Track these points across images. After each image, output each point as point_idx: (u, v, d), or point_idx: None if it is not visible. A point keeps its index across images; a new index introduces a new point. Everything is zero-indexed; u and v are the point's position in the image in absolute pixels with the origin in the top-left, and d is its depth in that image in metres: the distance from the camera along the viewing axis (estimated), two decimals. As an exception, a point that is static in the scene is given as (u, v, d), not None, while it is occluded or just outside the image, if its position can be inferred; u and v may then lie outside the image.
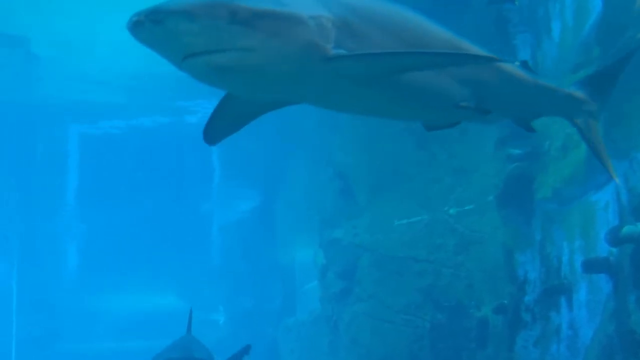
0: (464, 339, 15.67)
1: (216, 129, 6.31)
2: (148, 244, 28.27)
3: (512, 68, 7.05)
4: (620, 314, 10.33)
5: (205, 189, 24.93)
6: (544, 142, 13.47)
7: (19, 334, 30.51)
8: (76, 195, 25.20)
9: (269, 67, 5.15)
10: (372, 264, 17.64)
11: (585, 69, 12.37)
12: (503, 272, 14.41)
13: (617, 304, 10.53)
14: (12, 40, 15.74)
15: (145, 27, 4.82)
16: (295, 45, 5.12)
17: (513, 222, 14.22)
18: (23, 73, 16.45)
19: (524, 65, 7.32)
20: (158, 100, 18.24)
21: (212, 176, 23.75)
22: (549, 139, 13.37)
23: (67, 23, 15.40)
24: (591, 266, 11.57)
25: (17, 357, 30.24)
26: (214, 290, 30.93)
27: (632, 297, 9.98)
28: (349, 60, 5.31)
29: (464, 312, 15.70)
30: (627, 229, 9.97)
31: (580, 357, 12.22)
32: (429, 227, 16.61)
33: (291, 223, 25.76)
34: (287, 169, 22.72)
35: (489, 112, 6.54)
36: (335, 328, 19.02)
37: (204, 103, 18.83)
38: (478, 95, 6.44)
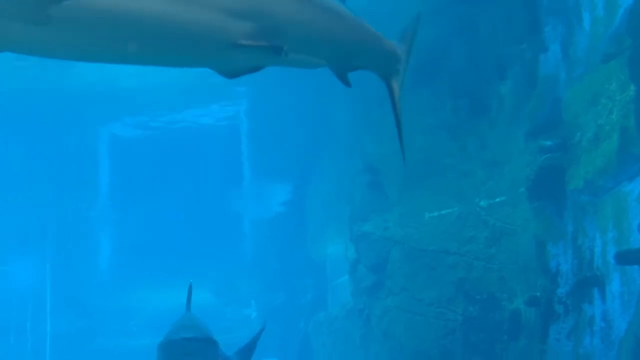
0: (496, 331, 15.61)
1: None
2: (180, 241, 28.39)
3: None
4: (655, 304, 10.27)
5: (235, 184, 24.97)
6: (575, 133, 13.41)
7: (54, 331, 30.77)
8: (108, 193, 25.34)
9: None
10: (403, 258, 17.62)
11: (616, 59, 12.31)
12: (535, 264, 14.36)
13: (651, 294, 10.47)
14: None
15: None
16: None
17: (545, 213, 14.16)
18: (54, 67, 16.54)
19: None
20: (190, 96, 18.29)
21: (242, 172, 23.78)
22: (580, 130, 13.31)
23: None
24: (624, 258, 11.51)
25: (51, 354, 30.51)
26: (246, 286, 31.05)
27: (666, 288, 9.93)
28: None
29: (496, 305, 15.64)
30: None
31: (614, 349, 12.16)
32: (460, 219, 16.56)
33: (322, 217, 25.78)
34: (317, 164, 22.74)
35: (282, 51, 5.46)
36: (367, 322, 19.02)
37: (238, 102, 18.91)
38: (265, 30, 5.37)
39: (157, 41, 5.04)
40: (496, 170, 16.24)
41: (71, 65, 16.21)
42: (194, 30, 5.07)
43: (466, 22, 15.94)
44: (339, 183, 22.38)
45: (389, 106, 6.67)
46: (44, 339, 30.67)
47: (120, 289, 31.47)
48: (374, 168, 19.38)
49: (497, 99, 16.10)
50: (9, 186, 23.94)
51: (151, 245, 28.60)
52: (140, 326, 29.50)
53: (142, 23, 4.85)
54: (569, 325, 13.42)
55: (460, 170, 17.00)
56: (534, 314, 14.39)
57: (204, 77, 16.77)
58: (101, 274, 32.46)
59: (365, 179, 19.74)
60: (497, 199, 16.00)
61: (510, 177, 15.64)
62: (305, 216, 26.65)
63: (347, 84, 6.41)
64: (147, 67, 17.17)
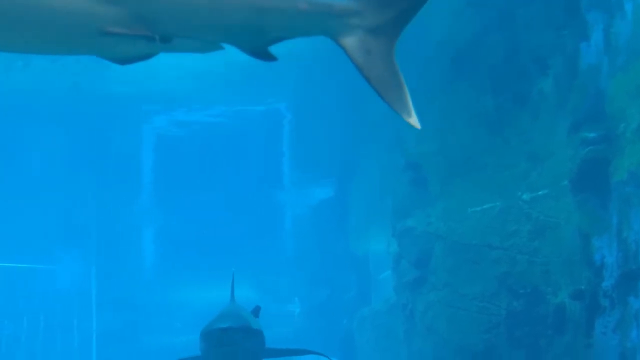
0: (541, 325, 15.48)
1: None
2: (222, 237, 28.51)
3: None
4: (702, 297, 10.13)
5: (277, 180, 25.04)
6: (619, 124, 13.26)
7: (99, 329, 31.05)
8: (151, 189, 25.51)
9: None
10: (446, 252, 17.55)
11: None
12: (580, 257, 14.23)
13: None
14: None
15: None
16: None
17: (589, 206, 14.02)
18: (95, 65, 16.67)
19: None
20: (232, 92, 18.34)
21: (284, 167, 23.83)
22: (624, 121, 13.17)
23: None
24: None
25: (97, 351, 30.79)
26: (288, 282, 31.11)
27: None
28: None
29: (540, 299, 15.50)
30: None
31: (661, 343, 12.03)
32: (502, 213, 16.43)
33: (364, 213, 25.75)
34: (359, 159, 22.72)
35: (169, 39, 4.93)
36: (410, 317, 18.98)
37: (279, 99, 18.94)
38: (137, 16, 4.80)
39: (16, 26, 4.58)
40: (538, 163, 16.09)
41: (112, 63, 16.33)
42: (56, 15, 4.59)
43: (504, 13, 15.83)
44: (380, 178, 22.34)
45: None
46: (90, 336, 30.97)
47: (164, 286, 31.67)
48: (416, 163, 19.32)
49: (538, 91, 15.95)
50: (54, 185, 24.20)
51: (194, 242, 28.75)
52: (185, 323, 29.67)
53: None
54: (615, 319, 13.29)
55: (502, 164, 16.88)
56: (578, 308, 14.26)
57: (246, 73, 16.88)
58: (145, 271, 32.70)
59: (407, 174, 19.69)
60: (540, 192, 15.84)
61: (553, 170, 15.50)
62: (347, 212, 26.64)
63: (270, 58, 5.56)
64: (191, 65, 17.37)
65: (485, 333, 16.30)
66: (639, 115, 12.63)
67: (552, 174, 15.50)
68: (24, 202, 25.49)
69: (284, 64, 16.55)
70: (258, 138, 20.67)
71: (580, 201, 14.23)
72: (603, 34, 13.95)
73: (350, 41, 5.65)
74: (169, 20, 4.92)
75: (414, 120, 5.81)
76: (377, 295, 25.54)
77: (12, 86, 17.31)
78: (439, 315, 17.52)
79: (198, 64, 16.71)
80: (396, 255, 20.01)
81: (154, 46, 5.03)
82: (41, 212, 26.44)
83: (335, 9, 5.48)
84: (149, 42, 4.93)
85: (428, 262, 18.17)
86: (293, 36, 5.58)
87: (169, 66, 16.62)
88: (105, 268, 31.46)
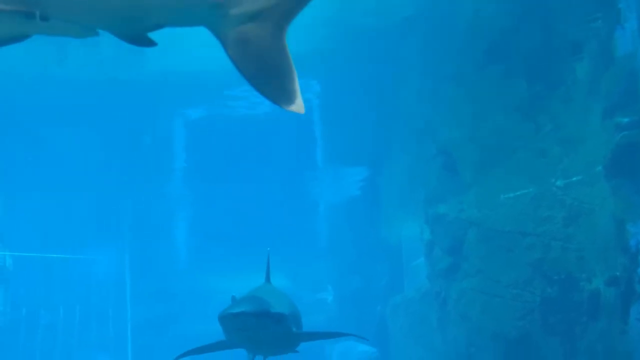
0: (575, 312, 15.41)
1: None
2: (255, 225, 28.59)
3: None
4: None
5: (310, 168, 25.04)
6: (654, 109, 13.17)
7: (134, 318, 31.28)
8: (184, 179, 25.60)
9: None
10: (479, 239, 17.50)
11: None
12: (614, 243, 14.13)
13: None
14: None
15: None
16: None
17: (623, 192, 13.92)
18: (126, 52, 16.77)
19: None
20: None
21: (316, 156, 23.83)
22: (658, 106, 13.07)
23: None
24: None
25: (133, 341, 31.02)
26: (322, 270, 31.17)
27: None
28: None
29: (574, 285, 15.42)
30: None
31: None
32: (536, 200, 16.35)
33: (396, 200, 25.71)
34: (390, 147, 22.67)
35: (47, 18, 4.65)
36: (443, 304, 18.95)
37: (310, 86, 18.92)
38: None
39: None
40: (572, 149, 15.99)
41: (144, 51, 16.44)
42: None
43: (539, -1, 15.75)
44: (412, 166, 22.29)
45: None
46: (125, 325, 31.21)
47: (198, 275, 31.84)
48: (447, 150, 19.26)
49: (571, 77, 15.85)
50: (87, 176, 24.37)
51: (227, 231, 28.87)
52: (219, 311, 29.81)
53: None
54: (650, 305, 13.22)
55: (535, 150, 16.78)
56: (613, 294, 14.17)
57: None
58: (179, 259, 32.91)
59: (439, 161, 19.62)
60: (574, 178, 15.75)
61: (587, 155, 15.39)
62: (379, 199, 26.61)
63: (149, 44, 5.25)
64: (222, 53, 17.33)
65: (520, 320, 16.24)
66: (675, 100, 12.52)
67: (585, 160, 15.40)
68: (60, 194, 25.70)
69: (315, 52, 16.57)
70: (290, 127, 20.66)
71: (614, 187, 14.14)
72: (637, 19, 13.83)
73: (225, 32, 5.16)
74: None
75: (297, 108, 5.22)
76: (410, 283, 25.53)
77: (49, 79, 17.44)
78: (472, 302, 17.48)
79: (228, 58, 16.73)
80: (429, 242, 19.98)
81: (31, 25, 4.78)
82: (76, 203, 26.65)
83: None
84: (27, 20, 4.70)
85: (461, 249, 18.13)
86: (172, 24, 5.25)
87: (200, 55, 16.66)
88: (139, 258, 31.68)
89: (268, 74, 5.21)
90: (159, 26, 5.12)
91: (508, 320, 16.46)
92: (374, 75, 17.71)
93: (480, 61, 16.83)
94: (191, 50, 16.47)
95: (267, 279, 11.50)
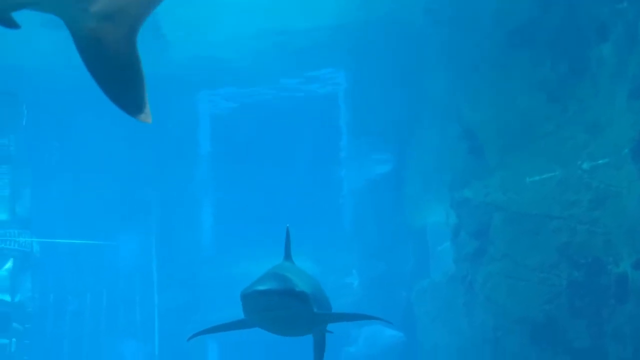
0: (602, 295, 15.34)
1: None
2: (280, 210, 28.63)
3: None
4: None
5: (334, 152, 25.03)
6: (681, 90, 13.07)
7: (161, 306, 31.42)
8: (209, 164, 25.67)
9: None
10: (505, 223, 17.46)
11: None
12: (642, 226, 14.07)
13: None
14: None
15: None
16: None
17: (651, 174, 13.86)
18: (150, 40, 16.83)
19: None
20: (289, 64, 18.36)
21: (341, 140, 23.81)
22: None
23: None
24: None
25: (160, 328, 31.16)
26: (347, 255, 31.16)
27: None
28: None
29: (601, 269, 15.35)
30: None
31: None
32: (562, 183, 16.27)
33: (421, 184, 25.67)
34: (415, 130, 22.63)
35: None
36: (470, 288, 18.94)
37: (335, 71, 18.91)
38: None
39: None
40: (598, 131, 15.89)
41: (169, 38, 16.49)
42: None
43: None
44: (438, 149, 22.24)
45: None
46: (152, 311, 31.36)
47: (224, 261, 31.91)
48: (473, 133, 19.20)
49: (597, 59, 15.73)
50: (114, 162, 24.49)
51: (252, 216, 28.91)
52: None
53: None
54: (679, 288, 13.15)
55: (561, 133, 16.69)
56: (641, 277, 14.13)
57: (303, 44, 16.90)
58: (205, 246, 32.99)
59: (464, 144, 19.57)
60: (600, 161, 15.65)
61: (613, 138, 15.29)
62: (404, 184, 26.56)
63: (13, 26, 4.75)
64: (247, 39, 17.46)
65: (546, 304, 16.20)
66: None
67: (612, 143, 15.30)
68: (86, 180, 25.85)
69: (341, 37, 16.55)
70: (315, 111, 20.66)
71: (641, 169, 14.07)
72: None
73: (81, 28, 4.87)
74: None
75: (145, 117, 4.99)
76: (436, 267, 25.50)
77: (73, 62, 17.53)
78: (498, 286, 17.46)
79: (255, 38, 16.76)
80: (455, 226, 19.96)
81: None
82: (103, 189, 26.79)
83: None
84: None
85: (487, 233, 18.11)
86: (32, 7, 4.76)
87: (225, 40, 16.70)
88: (165, 244, 31.81)
89: (118, 77, 5.00)
90: (20, 6, 4.63)
91: (535, 304, 16.42)
92: (399, 59, 17.68)
93: (506, 44, 16.76)
94: (216, 36, 16.51)
95: (287, 256, 10.91)
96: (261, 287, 8.90)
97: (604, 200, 15.49)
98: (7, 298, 23.25)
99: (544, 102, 16.87)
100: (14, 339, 23.10)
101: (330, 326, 10.51)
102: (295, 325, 9.48)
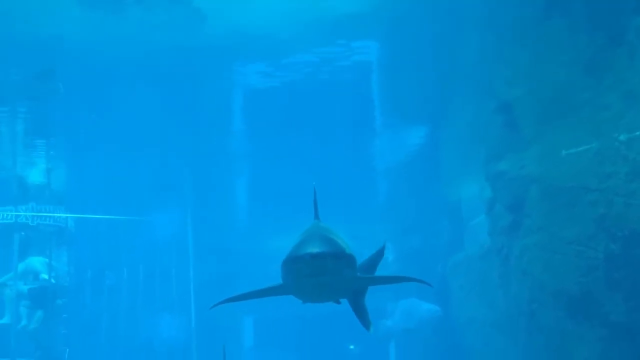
0: (639, 268, 15.23)
1: None
2: (315, 185, 28.62)
3: None
4: None
5: (368, 127, 24.93)
6: None
7: (196, 280, 31.60)
8: (243, 139, 25.66)
9: None
10: (541, 196, 17.36)
11: None
12: (680, 198, 13.93)
13: None
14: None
15: None
16: None
17: (688, 145, 13.70)
18: (186, 13, 16.85)
19: None
20: (321, 41, 18.30)
21: (375, 114, 23.70)
22: None
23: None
24: None
25: (195, 302, 31.35)
26: (382, 229, 31.13)
27: None
28: None
29: (638, 241, 15.23)
30: None
31: None
32: (598, 155, 16.13)
33: (456, 158, 25.57)
34: (450, 104, 22.49)
35: None
36: (505, 261, 18.89)
37: (369, 44, 18.82)
38: None
39: None
40: (635, 103, 15.72)
41: (203, 14, 16.50)
42: None
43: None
44: (472, 123, 22.11)
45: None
46: (188, 286, 31.56)
47: (259, 234, 32.01)
48: (508, 106, 19.06)
49: (634, 29, 15.53)
50: (149, 139, 24.57)
51: (286, 190, 28.94)
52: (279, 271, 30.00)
53: None
54: None
55: (597, 104, 16.53)
56: (679, 249, 14.00)
57: (336, 19, 16.82)
58: (240, 219, 33.12)
59: (499, 117, 19.45)
60: (637, 133, 15.48)
61: (651, 109, 15.14)
62: (439, 157, 26.46)
63: None
64: (277, 15, 17.45)
65: (583, 277, 16.11)
66: None
67: (650, 114, 15.15)
68: (122, 155, 25.97)
69: (374, 10, 16.44)
70: (348, 85, 20.57)
71: (679, 141, 13.91)
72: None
73: None
74: None
75: None
76: (471, 241, 25.45)
77: (110, 37, 17.60)
78: (534, 259, 17.39)
79: (287, 14, 16.71)
80: (490, 199, 19.90)
81: None
82: (138, 164, 26.92)
83: None
84: None
85: (522, 206, 18.02)
86: None
87: (259, 17, 16.67)
88: (200, 218, 31.96)
89: None
90: None
91: (570, 276, 16.34)
92: (433, 32, 17.53)
93: (541, 15, 16.57)
94: (251, 12, 16.49)
95: (317, 216, 10.23)
96: (314, 250, 8.19)
97: (641, 172, 15.34)
98: (45, 274, 23.53)
99: (580, 74, 16.71)
100: (51, 313, 23.40)
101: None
102: (337, 290, 8.78)
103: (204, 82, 20.52)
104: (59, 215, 23.86)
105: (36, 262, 23.72)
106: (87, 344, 28.69)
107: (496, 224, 19.43)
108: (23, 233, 23.37)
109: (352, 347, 35.37)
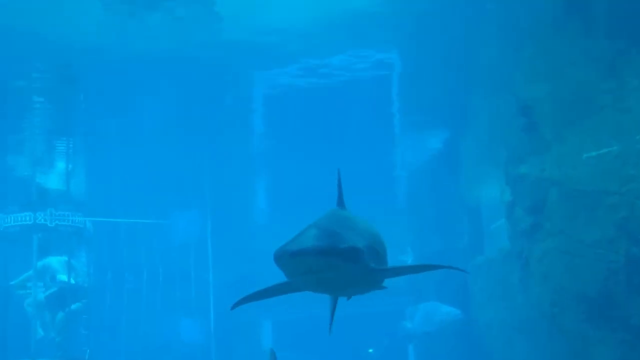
0: (661, 272, 15.13)
1: None
2: (334, 187, 28.61)
3: None
4: None
5: (388, 130, 24.91)
6: None
7: (215, 281, 31.63)
8: (262, 142, 25.71)
9: None
10: (562, 199, 17.26)
11: None
12: (702, 201, 13.82)
13: None
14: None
15: None
16: None
17: None
18: (206, 24, 16.90)
19: None
20: (341, 45, 18.32)
21: (394, 117, 23.69)
22: None
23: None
24: None
25: (215, 303, 31.38)
26: (401, 231, 31.08)
27: None
28: None
29: (660, 245, 15.13)
30: None
31: None
32: (620, 158, 16.01)
33: (476, 161, 25.50)
34: (470, 107, 22.44)
35: None
36: (525, 264, 18.78)
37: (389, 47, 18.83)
38: None
39: None
40: (657, 105, 15.62)
41: (221, 15, 16.54)
42: None
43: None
44: (492, 125, 22.05)
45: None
46: (207, 289, 31.60)
47: (278, 236, 31.99)
48: (528, 108, 18.97)
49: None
50: (169, 141, 24.65)
51: (306, 194, 28.95)
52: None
53: None
54: None
55: (618, 106, 16.42)
56: (701, 253, 13.89)
57: (357, 22, 16.82)
58: (260, 222, 33.16)
59: (519, 120, 19.36)
60: (659, 136, 15.39)
61: (673, 111, 15.03)
62: (459, 160, 26.40)
63: None
64: (301, 18, 17.46)
65: (604, 280, 15.99)
66: None
67: (671, 116, 15.04)
68: (142, 159, 26.06)
69: (393, 13, 16.41)
70: (368, 86, 20.56)
71: (701, 143, 13.80)
72: None
73: None
74: None
75: None
76: (491, 244, 25.36)
77: (126, 43, 17.67)
78: (555, 262, 17.28)
79: (308, 16, 16.73)
80: (510, 203, 19.79)
81: None
82: (158, 167, 27.00)
83: None
84: None
85: (543, 209, 17.92)
86: None
87: (279, 19, 16.69)
88: (220, 221, 32.01)
89: None
90: None
91: (592, 280, 16.23)
92: (453, 33, 17.49)
93: (561, 16, 16.49)
94: (269, 15, 16.51)
95: (340, 202, 9.03)
96: (295, 247, 7.12)
97: (663, 175, 15.24)
98: (63, 274, 23.58)
99: (601, 76, 16.61)
100: (71, 314, 23.48)
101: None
102: (350, 284, 7.61)
103: (225, 84, 20.57)
104: (77, 218, 23.87)
105: (54, 262, 23.78)
106: (108, 344, 28.78)
107: (516, 227, 19.33)
108: (41, 234, 23.39)
109: (370, 350, 35.31)
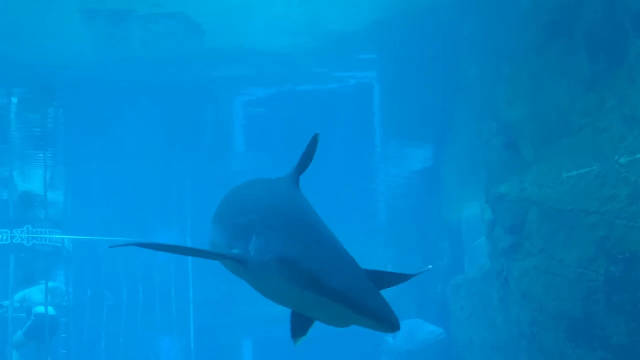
0: (640, 291, 15.16)
1: None
2: (315, 206, 28.59)
3: None
4: None
5: (369, 148, 24.95)
6: None
7: (196, 299, 31.52)
8: (242, 160, 25.70)
9: None
10: (541, 218, 17.29)
11: None
12: (681, 221, 13.87)
13: None
14: (174, 16, 16.16)
15: None
16: None
17: (690, 168, 13.65)
18: (187, 45, 16.90)
19: None
20: (322, 60, 18.35)
21: (375, 135, 23.74)
22: None
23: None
24: None
25: (195, 321, 31.26)
26: (382, 249, 31.08)
27: None
28: None
29: (639, 264, 15.16)
30: None
31: None
32: (599, 178, 16.05)
33: (457, 180, 25.56)
34: (450, 126, 22.50)
35: None
36: (505, 283, 18.80)
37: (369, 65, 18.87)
38: None
39: None
40: (636, 125, 15.67)
41: (202, 30, 16.53)
42: None
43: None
44: (473, 145, 22.11)
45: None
46: (187, 307, 31.46)
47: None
48: (508, 128, 19.04)
49: (635, 51, 15.51)
50: (148, 158, 24.59)
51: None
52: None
53: None
54: None
55: (598, 126, 16.49)
56: (680, 273, 13.93)
57: (335, 43, 16.87)
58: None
59: (499, 139, 19.43)
60: (638, 155, 15.43)
61: (652, 131, 15.10)
62: (440, 179, 26.46)
63: None
64: (283, 32, 17.51)
65: (583, 299, 16.01)
66: None
67: (650, 136, 15.10)
68: (121, 177, 26.00)
69: (374, 30, 16.44)
70: (349, 106, 20.60)
71: (680, 163, 13.86)
72: None
73: None
74: None
75: None
76: (471, 263, 25.40)
77: (110, 58, 17.64)
78: (535, 281, 17.31)
79: (289, 36, 16.77)
80: (490, 221, 19.82)
81: None
82: (137, 186, 26.93)
83: None
84: None
85: (522, 228, 17.95)
86: None
87: (260, 39, 16.72)
88: (200, 239, 31.89)
89: None
90: None
91: (571, 299, 16.25)
92: (433, 52, 17.56)
93: (541, 37, 16.57)
94: (251, 30, 16.52)
95: (298, 171, 6.38)
96: (394, 318, 5.04)
97: (642, 195, 15.28)
98: (41, 307, 23.19)
99: (580, 96, 16.68)
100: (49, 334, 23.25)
101: None
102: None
103: (204, 105, 20.57)
104: (55, 236, 23.67)
105: (36, 292, 23.46)
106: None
107: (496, 246, 19.36)
108: (22, 254, 23.15)
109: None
